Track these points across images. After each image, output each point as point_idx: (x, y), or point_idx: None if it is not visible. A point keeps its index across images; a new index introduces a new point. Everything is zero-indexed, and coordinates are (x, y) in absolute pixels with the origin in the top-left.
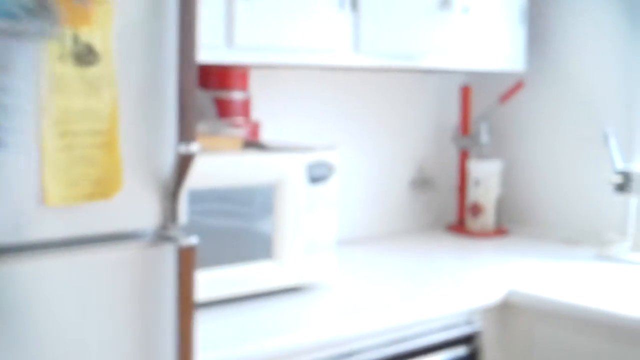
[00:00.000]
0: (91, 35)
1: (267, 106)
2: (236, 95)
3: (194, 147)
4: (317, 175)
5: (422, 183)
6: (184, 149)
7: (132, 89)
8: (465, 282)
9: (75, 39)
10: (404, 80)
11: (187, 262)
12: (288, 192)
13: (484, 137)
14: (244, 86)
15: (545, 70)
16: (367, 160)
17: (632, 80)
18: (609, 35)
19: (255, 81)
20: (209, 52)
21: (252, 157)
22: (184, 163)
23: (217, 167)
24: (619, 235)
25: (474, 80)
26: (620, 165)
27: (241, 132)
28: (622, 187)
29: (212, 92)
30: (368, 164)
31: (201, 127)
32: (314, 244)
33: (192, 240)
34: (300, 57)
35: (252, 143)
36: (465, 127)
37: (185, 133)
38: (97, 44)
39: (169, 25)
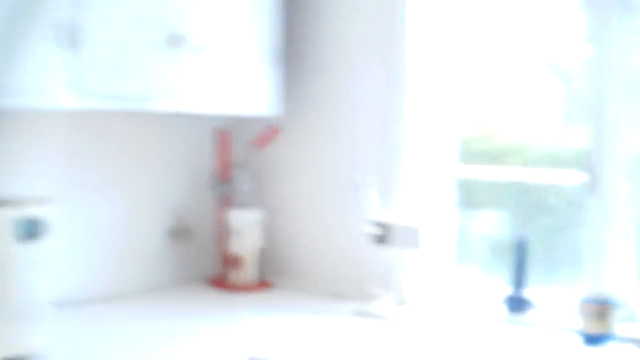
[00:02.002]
0: None
1: None
2: None
3: None
4: (26, 233)
5: (179, 233)
6: None
7: None
8: (205, 349)
9: None
10: (151, 123)
11: None
12: None
13: (243, 185)
14: None
15: (303, 115)
16: (114, 209)
17: (391, 127)
18: (369, 78)
19: None
20: None
21: None
22: None
23: None
24: (382, 289)
25: (232, 123)
26: (377, 216)
27: None
28: (381, 238)
29: None
30: (117, 211)
31: None
32: (22, 312)
33: None
34: (11, 99)
35: None
36: (223, 173)
37: None
38: None
39: None
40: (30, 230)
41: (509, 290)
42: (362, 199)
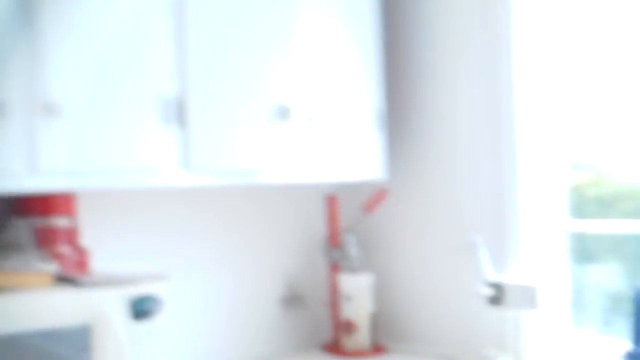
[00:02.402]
0: None
1: (100, 231)
2: (60, 222)
3: None
4: (142, 311)
5: (292, 300)
6: None
7: None
8: None
9: None
10: (259, 193)
11: None
12: (107, 332)
13: (353, 249)
14: (69, 211)
15: (410, 176)
16: (229, 280)
17: (501, 185)
18: (475, 136)
19: (85, 205)
20: (9, 180)
21: (62, 295)
22: None
23: (20, 308)
24: (497, 350)
25: (340, 188)
26: (491, 276)
27: (52, 267)
28: (496, 299)
29: (31, 219)
30: (230, 283)
31: (7, 262)
32: None
33: None
34: (120, 179)
35: (65, 277)
36: (333, 238)
37: None
38: None
39: None
40: (145, 307)
41: (628, 346)
42: (473, 259)
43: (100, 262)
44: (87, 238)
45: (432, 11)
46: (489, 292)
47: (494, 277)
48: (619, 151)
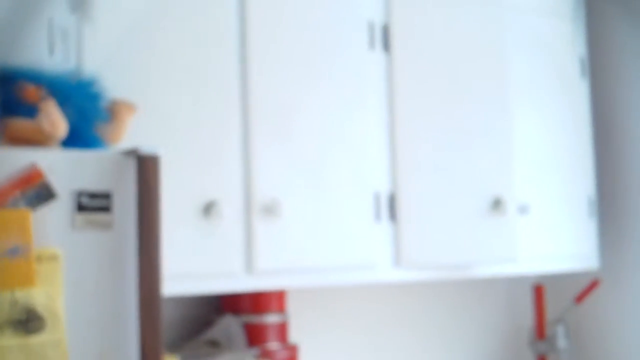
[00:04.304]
0: (33, 297)
1: (309, 327)
2: (271, 319)
3: None
4: None
5: None
6: None
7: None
8: None
9: (13, 304)
10: (465, 285)
11: None
12: None
13: (562, 342)
14: (280, 308)
15: (623, 266)
16: None
17: None
18: None
19: (293, 301)
20: (226, 280)
21: None
22: None
23: None
24: None
25: (546, 278)
26: None
27: None
28: None
29: (243, 316)
30: None
31: None
32: None
33: None
34: (333, 276)
35: None
36: (540, 330)
37: None
38: (41, 307)
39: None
40: None
41: None
42: None
43: (309, 359)
44: (296, 334)
45: None
46: None
47: None
48: None
